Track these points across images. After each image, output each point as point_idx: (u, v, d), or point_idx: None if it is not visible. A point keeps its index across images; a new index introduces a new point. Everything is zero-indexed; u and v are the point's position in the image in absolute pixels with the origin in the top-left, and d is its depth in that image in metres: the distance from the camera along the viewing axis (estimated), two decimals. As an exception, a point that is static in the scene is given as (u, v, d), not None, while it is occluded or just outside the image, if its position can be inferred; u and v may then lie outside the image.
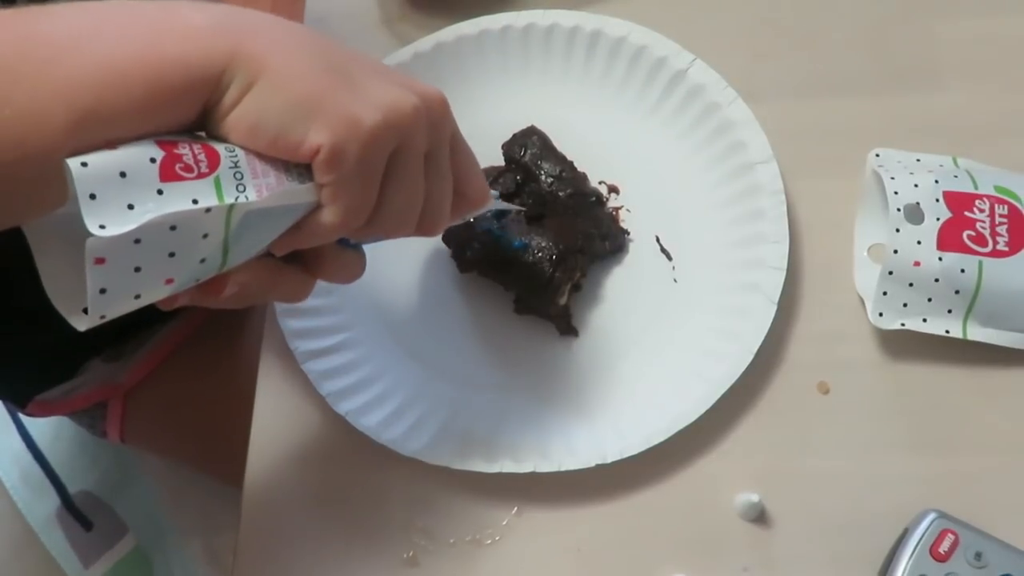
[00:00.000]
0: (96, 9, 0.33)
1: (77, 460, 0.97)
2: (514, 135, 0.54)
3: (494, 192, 0.49)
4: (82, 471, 0.97)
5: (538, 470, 0.47)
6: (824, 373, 0.49)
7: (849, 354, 0.50)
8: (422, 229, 0.40)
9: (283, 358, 0.52)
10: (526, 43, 0.58)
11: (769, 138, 0.52)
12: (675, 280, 0.53)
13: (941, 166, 0.51)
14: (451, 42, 0.57)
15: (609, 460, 0.46)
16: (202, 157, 0.32)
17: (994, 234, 0.48)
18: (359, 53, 0.37)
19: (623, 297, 0.53)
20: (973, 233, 0.48)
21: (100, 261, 0.30)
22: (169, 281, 0.33)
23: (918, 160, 0.52)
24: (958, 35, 0.57)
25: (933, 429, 0.48)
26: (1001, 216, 0.48)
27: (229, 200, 0.32)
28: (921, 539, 0.43)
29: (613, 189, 0.55)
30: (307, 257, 0.39)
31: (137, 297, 0.33)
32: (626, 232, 0.54)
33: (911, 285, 0.48)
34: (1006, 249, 0.48)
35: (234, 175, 0.33)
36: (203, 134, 0.35)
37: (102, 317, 0.32)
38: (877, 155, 0.52)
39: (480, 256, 0.51)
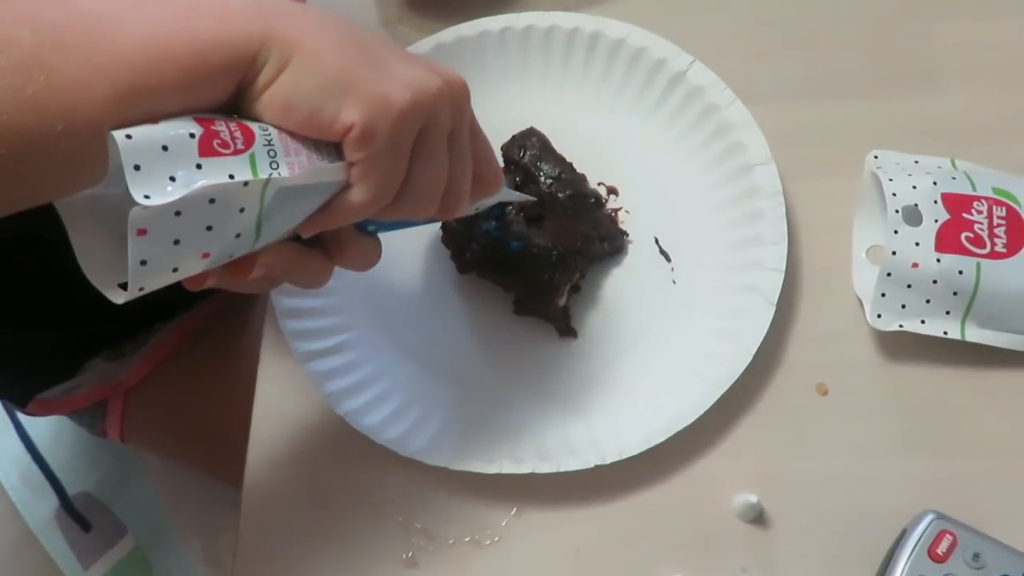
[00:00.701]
0: None
1: (77, 461, 0.97)
2: (513, 136, 0.54)
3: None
4: (82, 472, 0.97)
5: (537, 471, 0.47)
6: (823, 374, 0.49)
7: (847, 355, 0.50)
8: (443, 210, 0.41)
9: (283, 358, 0.52)
10: (525, 45, 0.58)
11: (768, 140, 0.52)
12: (674, 281, 0.53)
13: (939, 168, 0.51)
14: (450, 43, 0.57)
15: (608, 461, 0.47)
16: (238, 134, 0.33)
17: (992, 236, 0.48)
18: (382, 38, 0.38)
19: (622, 298, 0.53)
20: (971, 235, 0.48)
21: (142, 232, 0.31)
22: (205, 255, 0.34)
23: (916, 162, 0.52)
24: (956, 37, 0.57)
25: (931, 430, 0.48)
26: (999, 218, 0.48)
27: (264, 176, 0.33)
28: (919, 540, 0.43)
29: (612, 190, 0.55)
30: (328, 243, 0.40)
31: (175, 270, 0.33)
32: (625, 233, 0.54)
33: (909, 287, 0.48)
34: (1004, 251, 0.48)
35: (268, 152, 0.34)
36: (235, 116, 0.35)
37: (140, 289, 0.33)
38: (875, 157, 0.52)
39: (479, 257, 0.51)
